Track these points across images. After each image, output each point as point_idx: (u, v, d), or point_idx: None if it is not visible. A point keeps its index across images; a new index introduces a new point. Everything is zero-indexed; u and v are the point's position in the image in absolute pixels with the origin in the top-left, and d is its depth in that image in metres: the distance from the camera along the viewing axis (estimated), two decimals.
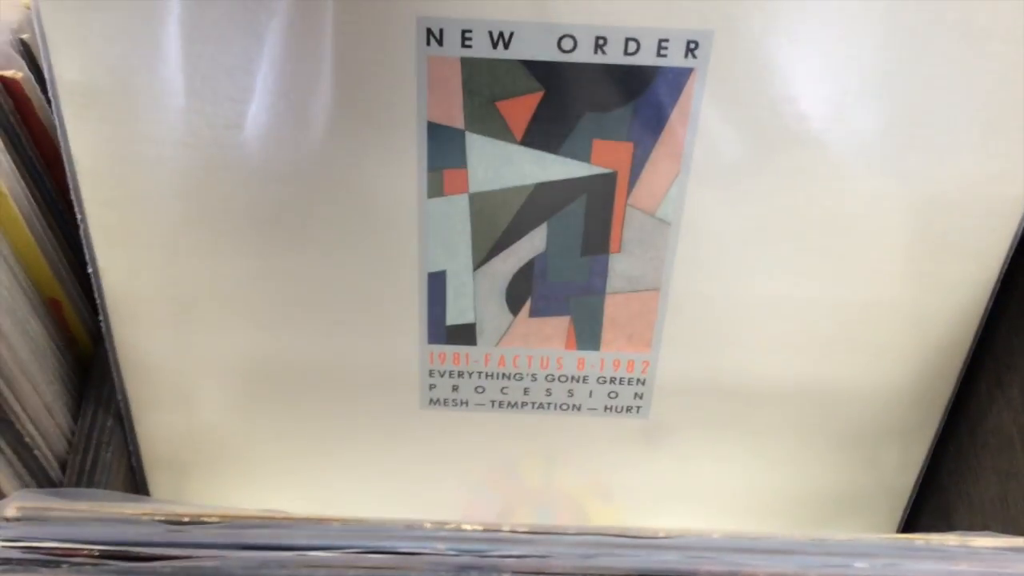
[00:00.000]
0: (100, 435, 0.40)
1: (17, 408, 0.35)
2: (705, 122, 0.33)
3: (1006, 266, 0.36)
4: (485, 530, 0.27)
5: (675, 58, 0.31)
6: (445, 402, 0.41)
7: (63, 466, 0.39)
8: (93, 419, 0.40)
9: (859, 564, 0.26)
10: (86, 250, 0.36)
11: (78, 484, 0.38)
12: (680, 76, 0.32)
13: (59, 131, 0.33)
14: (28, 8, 0.35)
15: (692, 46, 0.31)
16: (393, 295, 0.37)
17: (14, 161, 0.36)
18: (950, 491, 0.41)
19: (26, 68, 0.36)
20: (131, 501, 0.28)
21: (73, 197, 0.34)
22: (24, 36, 0.36)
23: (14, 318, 0.35)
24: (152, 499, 0.28)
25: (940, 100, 0.32)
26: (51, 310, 0.39)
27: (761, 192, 0.34)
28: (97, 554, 0.27)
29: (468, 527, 0.27)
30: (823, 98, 0.32)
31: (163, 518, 0.27)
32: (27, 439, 0.36)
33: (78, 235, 0.40)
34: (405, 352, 0.39)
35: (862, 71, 0.32)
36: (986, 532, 0.27)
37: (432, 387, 0.40)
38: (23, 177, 0.36)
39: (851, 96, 0.32)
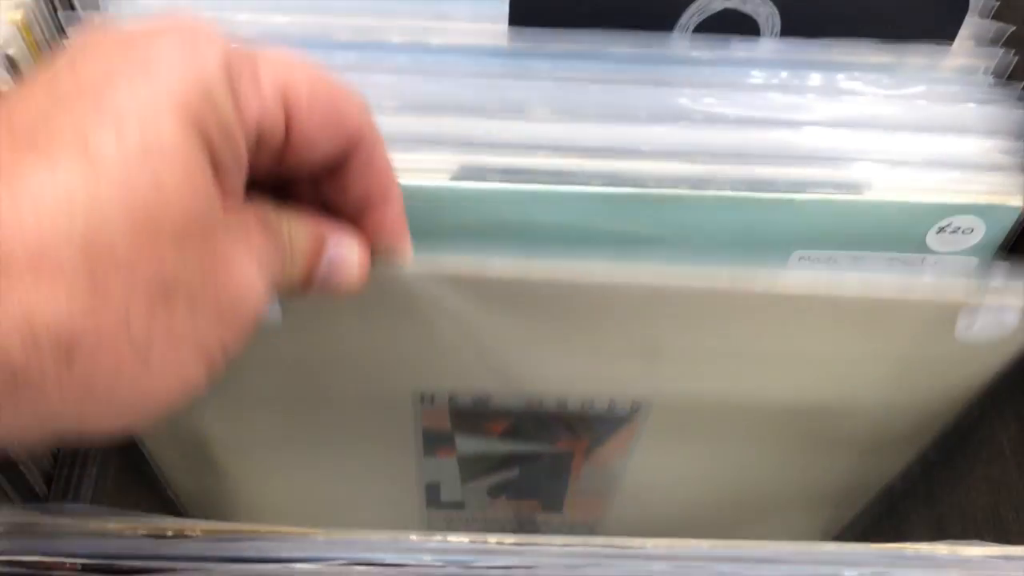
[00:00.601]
0: (87, 450, 0.40)
1: None
2: (648, 432, 0.41)
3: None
4: (471, 542, 0.27)
5: (622, 411, 0.39)
6: (441, 528, 0.50)
7: (48, 481, 0.38)
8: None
9: (848, 573, 0.26)
10: None
11: (63, 499, 0.37)
12: (627, 419, 0.40)
13: None
14: (14, 23, 0.35)
15: (636, 405, 0.38)
16: (397, 490, 0.46)
17: None
18: (942, 502, 0.41)
19: (12, 84, 0.36)
20: (115, 515, 0.28)
21: None
22: (10, 52, 0.36)
23: None
24: (135, 513, 0.28)
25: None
26: None
27: (705, 438, 0.42)
28: (80, 568, 0.26)
29: (454, 539, 0.27)
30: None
31: (146, 532, 0.27)
32: (11, 453, 0.36)
33: None
34: (407, 510, 0.49)
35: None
36: (975, 541, 0.27)
37: (430, 523, 0.50)
38: None
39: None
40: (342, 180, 0.26)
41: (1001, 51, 0.35)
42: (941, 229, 0.35)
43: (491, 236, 0.35)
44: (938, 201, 0.34)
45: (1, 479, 0.35)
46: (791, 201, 0.33)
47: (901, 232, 0.35)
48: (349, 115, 0.25)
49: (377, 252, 0.27)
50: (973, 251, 0.35)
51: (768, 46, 0.35)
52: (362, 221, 0.27)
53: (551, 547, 0.27)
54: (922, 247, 0.35)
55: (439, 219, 0.34)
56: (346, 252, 0.26)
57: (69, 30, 0.34)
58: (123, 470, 0.42)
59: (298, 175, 0.25)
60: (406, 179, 0.32)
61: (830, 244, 0.35)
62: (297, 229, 0.25)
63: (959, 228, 0.35)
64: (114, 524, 0.27)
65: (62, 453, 0.39)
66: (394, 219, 0.27)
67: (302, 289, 0.25)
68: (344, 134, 0.25)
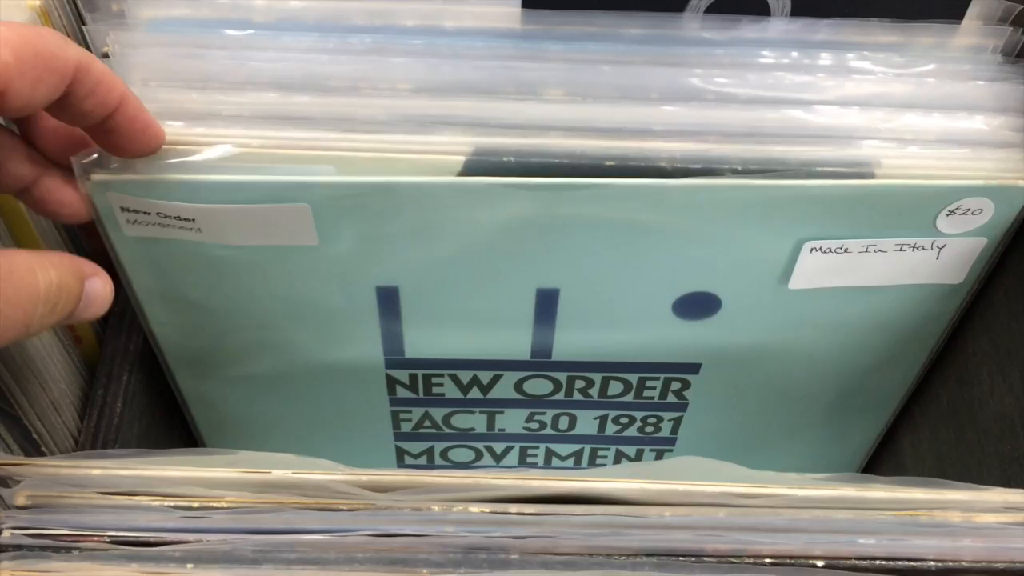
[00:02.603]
0: (106, 434, 0.40)
1: (24, 404, 0.35)
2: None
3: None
4: (492, 512, 0.27)
5: None
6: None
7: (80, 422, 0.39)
8: (99, 418, 0.40)
9: (864, 541, 0.27)
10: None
11: (95, 440, 0.39)
12: None
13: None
14: (33, 9, 0.36)
15: None
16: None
17: None
18: (954, 479, 0.41)
19: None
20: (144, 456, 0.29)
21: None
22: None
23: None
24: (163, 479, 0.28)
25: None
26: None
27: None
28: (108, 540, 0.27)
29: (475, 509, 0.27)
30: None
31: (173, 504, 0.27)
32: (34, 435, 0.36)
33: (83, 233, 0.40)
34: None
35: None
36: (993, 487, 0.28)
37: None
38: None
39: None
40: (74, 103, 0.28)
41: (1009, 30, 0.36)
42: (951, 212, 0.35)
43: (498, 230, 0.35)
44: (947, 183, 0.34)
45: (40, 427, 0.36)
46: (801, 187, 0.34)
47: (911, 215, 0.35)
48: (59, 57, 0.26)
49: (137, 147, 0.30)
50: (983, 231, 0.36)
51: (778, 26, 0.35)
52: (109, 127, 0.29)
53: (571, 516, 0.27)
54: (931, 230, 0.36)
55: (446, 214, 0.34)
56: (100, 287, 0.29)
57: (87, 17, 0.35)
58: (150, 412, 0.43)
59: (31, 118, 0.29)
60: (416, 170, 0.33)
61: (840, 232, 0.36)
62: (63, 273, 0.28)
63: (969, 210, 0.35)
64: (141, 496, 0.27)
65: (83, 437, 0.40)
66: (136, 111, 0.30)
67: (62, 321, 0.29)
68: (60, 75, 0.27)
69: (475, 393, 0.44)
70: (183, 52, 0.34)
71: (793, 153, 0.34)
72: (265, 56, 0.34)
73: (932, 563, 0.26)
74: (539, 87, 0.35)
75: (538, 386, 0.44)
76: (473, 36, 0.35)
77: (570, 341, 0.41)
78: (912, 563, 0.26)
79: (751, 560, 0.26)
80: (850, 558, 0.26)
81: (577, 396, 0.45)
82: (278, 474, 0.28)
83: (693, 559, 0.26)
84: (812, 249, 0.36)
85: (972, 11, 0.35)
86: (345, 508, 0.28)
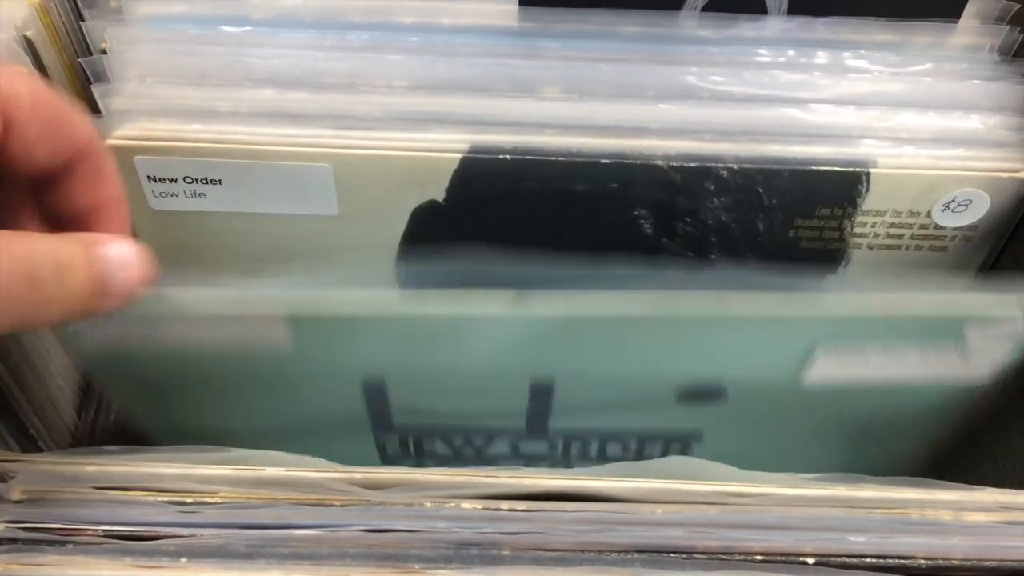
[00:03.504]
0: (103, 431, 0.40)
1: (22, 400, 0.36)
2: None
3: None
4: (484, 508, 0.27)
5: None
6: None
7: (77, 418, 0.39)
8: (96, 415, 0.41)
9: (854, 538, 0.27)
10: None
11: (91, 434, 0.39)
12: None
13: None
14: (32, 5, 0.36)
15: None
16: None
17: None
18: (947, 479, 0.41)
19: (31, 65, 0.36)
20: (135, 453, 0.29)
21: None
22: (28, 33, 0.37)
23: None
24: (157, 475, 0.28)
25: None
26: None
27: None
28: (102, 534, 0.27)
29: (467, 506, 0.27)
30: None
31: (167, 499, 0.28)
32: (31, 431, 0.36)
33: None
34: None
35: None
36: (985, 488, 0.28)
37: None
38: None
39: None
40: (71, 189, 0.27)
41: (1006, 29, 0.36)
42: (946, 206, 0.35)
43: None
44: (981, 298, 0.32)
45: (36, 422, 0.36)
46: (815, 299, 0.32)
47: (936, 330, 0.33)
48: (74, 125, 0.26)
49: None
50: (1013, 338, 0.34)
51: (775, 25, 0.35)
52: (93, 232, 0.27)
53: (562, 513, 0.27)
54: (958, 338, 0.34)
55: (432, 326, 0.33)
56: (123, 250, 0.26)
57: (86, 13, 0.35)
58: None
59: (17, 180, 0.27)
60: (412, 167, 0.32)
61: (859, 338, 0.34)
62: (66, 239, 0.25)
63: (965, 202, 0.34)
64: (135, 491, 0.28)
65: (79, 433, 0.40)
66: (123, 231, 0.28)
67: (93, 301, 0.25)
68: (70, 144, 0.26)
69: (468, 452, 0.43)
70: (180, 48, 0.35)
71: (789, 151, 0.34)
72: (262, 53, 0.35)
73: (922, 561, 0.26)
74: (536, 85, 0.35)
75: (534, 447, 0.42)
76: (470, 33, 0.35)
77: (566, 422, 0.39)
78: (902, 561, 0.26)
79: (741, 557, 0.27)
80: (840, 555, 0.26)
81: (575, 455, 0.43)
82: (271, 471, 0.28)
83: (683, 556, 0.27)
84: (828, 351, 0.34)
85: (969, 10, 0.35)
86: (338, 504, 0.28)
